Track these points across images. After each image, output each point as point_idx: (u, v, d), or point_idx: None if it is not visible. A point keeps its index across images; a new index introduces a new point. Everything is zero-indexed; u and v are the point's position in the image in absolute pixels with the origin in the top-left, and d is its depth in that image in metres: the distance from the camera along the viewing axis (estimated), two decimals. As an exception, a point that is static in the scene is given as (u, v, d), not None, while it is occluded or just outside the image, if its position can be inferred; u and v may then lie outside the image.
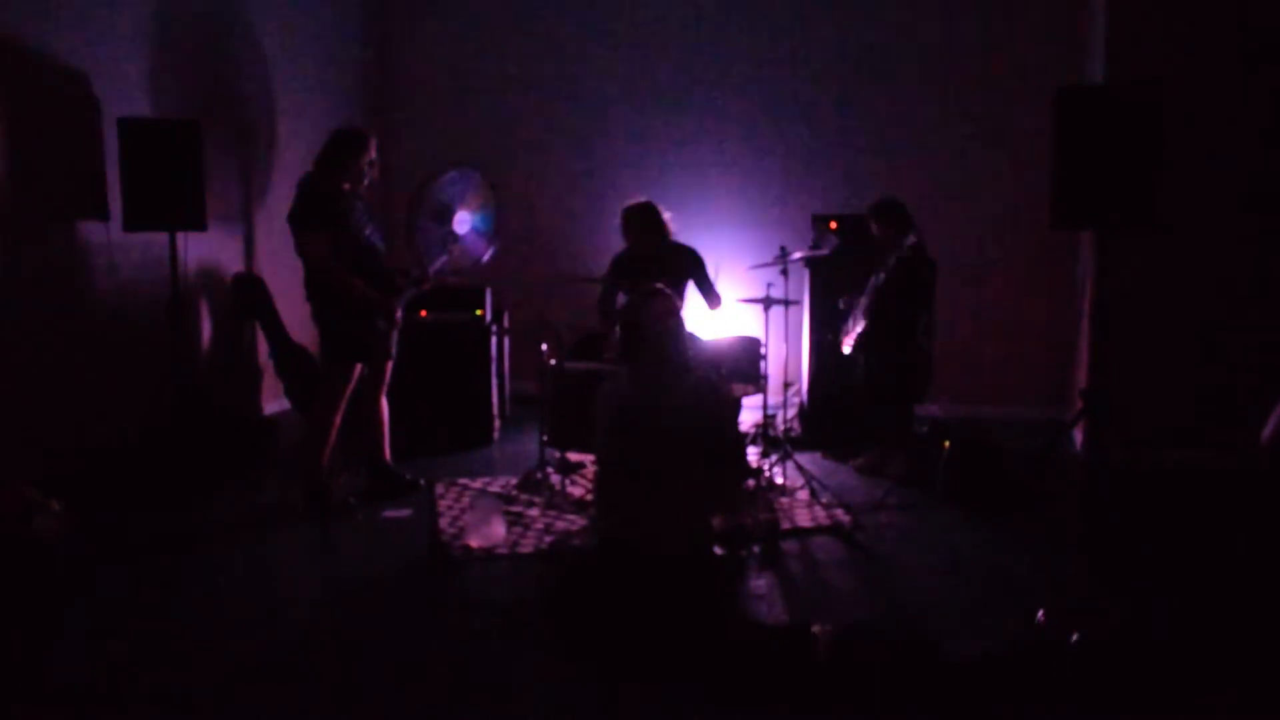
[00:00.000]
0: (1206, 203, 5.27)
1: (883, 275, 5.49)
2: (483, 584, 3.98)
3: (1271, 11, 5.24)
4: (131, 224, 5.03)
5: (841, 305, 5.83)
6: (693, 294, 5.73)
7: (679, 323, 3.73)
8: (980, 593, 3.95)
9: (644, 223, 5.60)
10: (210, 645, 3.42)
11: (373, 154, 4.85)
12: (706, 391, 3.70)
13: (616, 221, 5.81)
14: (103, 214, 5.07)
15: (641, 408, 3.58)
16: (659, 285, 3.83)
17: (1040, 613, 3.45)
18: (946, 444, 5.23)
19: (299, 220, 4.71)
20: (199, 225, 5.16)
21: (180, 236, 5.24)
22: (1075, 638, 3.15)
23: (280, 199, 4.97)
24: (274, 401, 6.47)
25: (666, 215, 5.65)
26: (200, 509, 4.85)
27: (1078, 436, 5.73)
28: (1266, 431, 3.50)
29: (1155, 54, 5.34)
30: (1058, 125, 4.35)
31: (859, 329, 5.59)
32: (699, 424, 3.55)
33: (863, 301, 5.63)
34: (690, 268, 5.69)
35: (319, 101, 6.89)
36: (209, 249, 5.75)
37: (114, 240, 5.10)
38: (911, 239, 5.38)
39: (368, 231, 4.84)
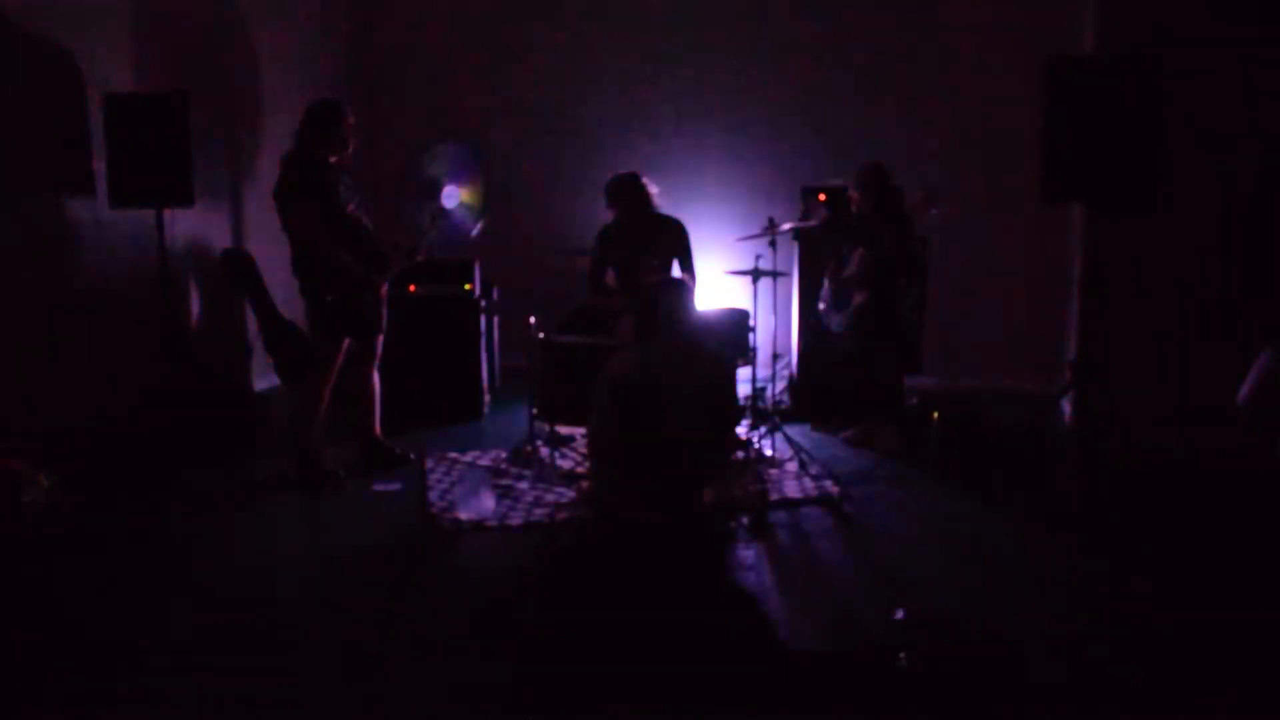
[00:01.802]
0: (1196, 176, 5.26)
1: (874, 249, 5.51)
2: (473, 557, 4.01)
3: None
4: (118, 201, 5.02)
5: (826, 279, 5.86)
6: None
7: (691, 305, 3.78)
8: (967, 563, 3.98)
9: (629, 193, 5.62)
10: (203, 616, 3.44)
11: (351, 121, 4.83)
12: (712, 366, 3.72)
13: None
14: (89, 190, 5.05)
15: (645, 383, 3.59)
16: (655, 263, 3.85)
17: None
18: (935, 416, 5.26)
19: (285, 194, 4.70)
20: (186, 201, 5.14)
21: (167, 213, 5.22)
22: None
23: (267, 174, 4.96)
24: (264, 377, 6.46)
25: (652, 188, 5.66)
26: (190, 484, 4.86)
27: (1067, 408, 5.75)
28: (1243, 392, 3.53)
29: (1146, 24, 5.31)
30: (1048, 97, 4.33)
31: (856, 302, 5.61)
32: (702, 399, 3.56)
33: (848, 274, 5.66)
34: (676, 240, 5.70)
35: (306, 75, 6.84)
36: (196, 225, 5.73)
37: (100, 217, 5.08)
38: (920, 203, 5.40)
39: (352, 206, 4.83)
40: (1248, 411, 3.62)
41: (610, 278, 5.80)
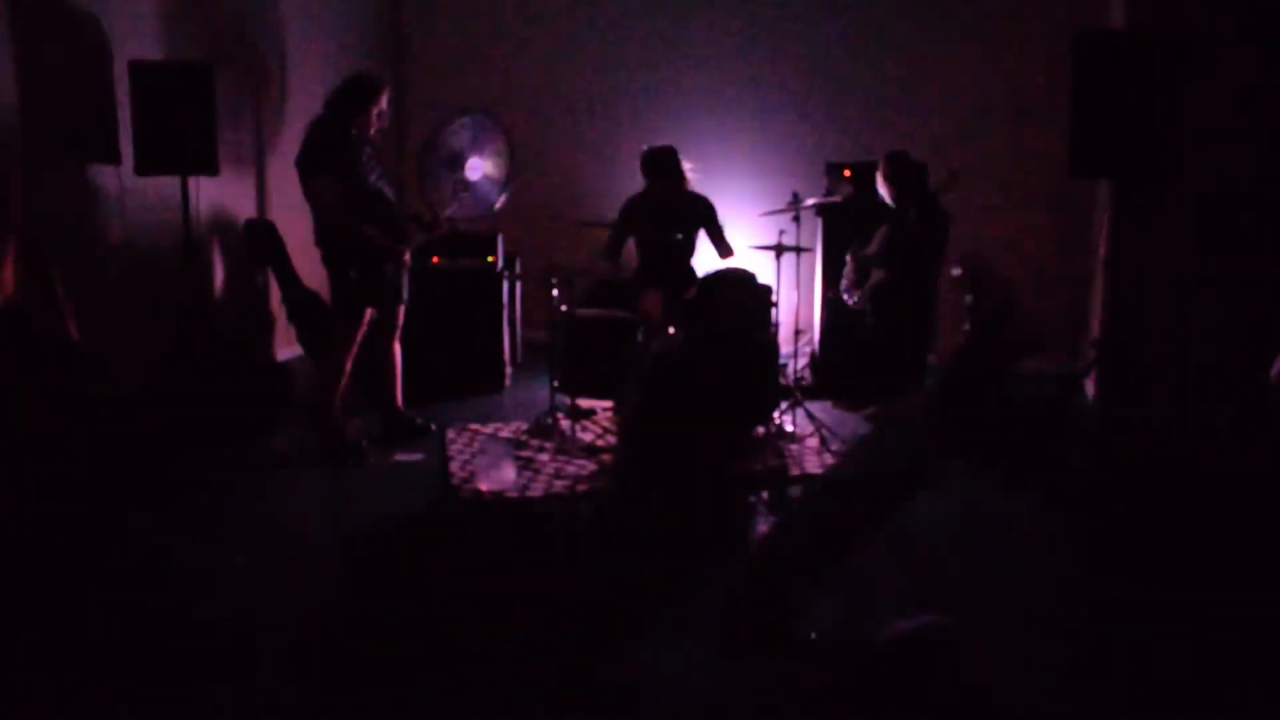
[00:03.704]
0: (1224, 154, 5.19)
1: (899, 226, 5.49)
2: (494, 528, 4.04)
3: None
4: (143, 168, 5.03)
5: (849, 256, 5.84)
6: (704, 242, 5.73)
7: (752, 297, 3.76)
8: (987, 543, 3.96)
9: (664, 167, 5.59)
10: (229, 586, 3.47)
11: (384, 104, 4.82)
12: (758, 354, 3.74)
13: (629, 170, 5.79)
14: (114, 158, 5.07)
15: (693, 364, 3.60)
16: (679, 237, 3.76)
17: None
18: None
19: (306, 165, 4.70)
20: (211, 170, 5.16)
21: (192, 181, 5.24)
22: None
23: (292, 143, 4.96)
24: (287, 347, 6.49)
25: (687, 165, 5.64)
26: (214, 454, 4.89)
27: (1090, 387, 5.71)
28: (1276, 368, 3.49)
29: (1176, 2, 5.23)
30: (1076, 72, 4.29)
31: (877, 278, 5.60)
32: (735, 391, 3.59)
33: (870, 251, 5.64)
34: (702, 217, 5.69)
35: (331, 44, 6.84)
36: (221, 193, 5.75)
37: (125, 184, 5.10)
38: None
39: (374, 177, 4.83)
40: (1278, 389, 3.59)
41: (630, 250, 5.79)
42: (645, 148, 5.69)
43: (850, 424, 5.56)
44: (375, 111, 4.76)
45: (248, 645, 3.02)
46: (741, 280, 5.06)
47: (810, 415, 5.30)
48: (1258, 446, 4.19)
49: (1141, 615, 3.27)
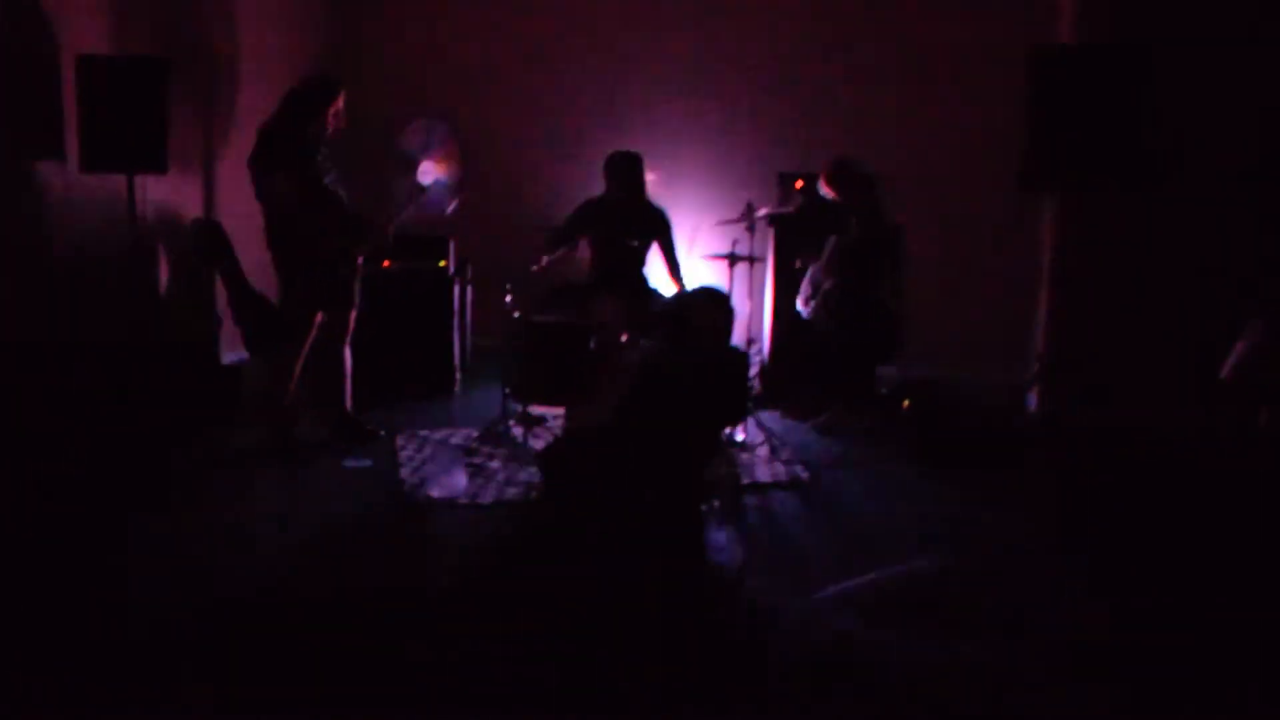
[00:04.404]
0: (1175, 162, 5.31)
1: (844, 236, 5.54)
2: (445, 533, 4.01)
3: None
4: (89, 165, 4.93)
5: (798, 265, 5.89)
6: (654, 256, 5.74)
7: (729, 321, 3.82)
8: (935, 546, 4.01)
9: (627, 173, 5.59)
10: (179, 592, 3.41)
11: (340, 105, 4.78)
12: (731, 368, 3.79)
13: (582, 176, 5.80)
14: (58, 153, 4.96)
15: (670, 378, 3.64)
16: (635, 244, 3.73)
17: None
18: (906, 403, 5.31)
19: (261, 164, 4.64)
20: (159, 167, 5.07)
21: (139, 179, 5.14)
22: None
23: (242, 143, 4.89)
24: (233, 349, 6.40)
25: (650, 174, 5.66)
26: (159, 456, 4.81)
27: (1033, 397, 5.82)
28: (1227, 368, 3.58)
29: (1125, 15, 5.35)
30: (1030, 86, 4.37)
31: (825, 287, 5.65)
32: (716, 397, 3.64)
33: (821, 263, 5.69)
34: (658, 229, 5.70)
35: (284, 42, 6.76)
36: (168, 192, 5.65)
37: (71, 181, 4.99)
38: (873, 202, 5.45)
39: (328, 180, 4.79)
40: (1233, 385, 3.68)
41: (583, 250, 5.78)
42: (613, 150, 5.68)
43: (799, 433, 5.62)
44: (332, 112, 4.72)
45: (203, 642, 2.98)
46: (721, 299, 5.11)
47: (760, 424, 5.34)
48: (1213, 446, 4.30)
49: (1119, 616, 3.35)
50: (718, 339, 3.82)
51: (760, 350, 6.47)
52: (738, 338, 5.65)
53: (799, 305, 5.88)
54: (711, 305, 3.88)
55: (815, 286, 5.83)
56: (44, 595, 3.32)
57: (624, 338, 5.11)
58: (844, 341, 5.67)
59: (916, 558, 2.96)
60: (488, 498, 4.36)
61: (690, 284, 5.69)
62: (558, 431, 5.07)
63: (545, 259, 5.62)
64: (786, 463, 4.99)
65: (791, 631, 3.10)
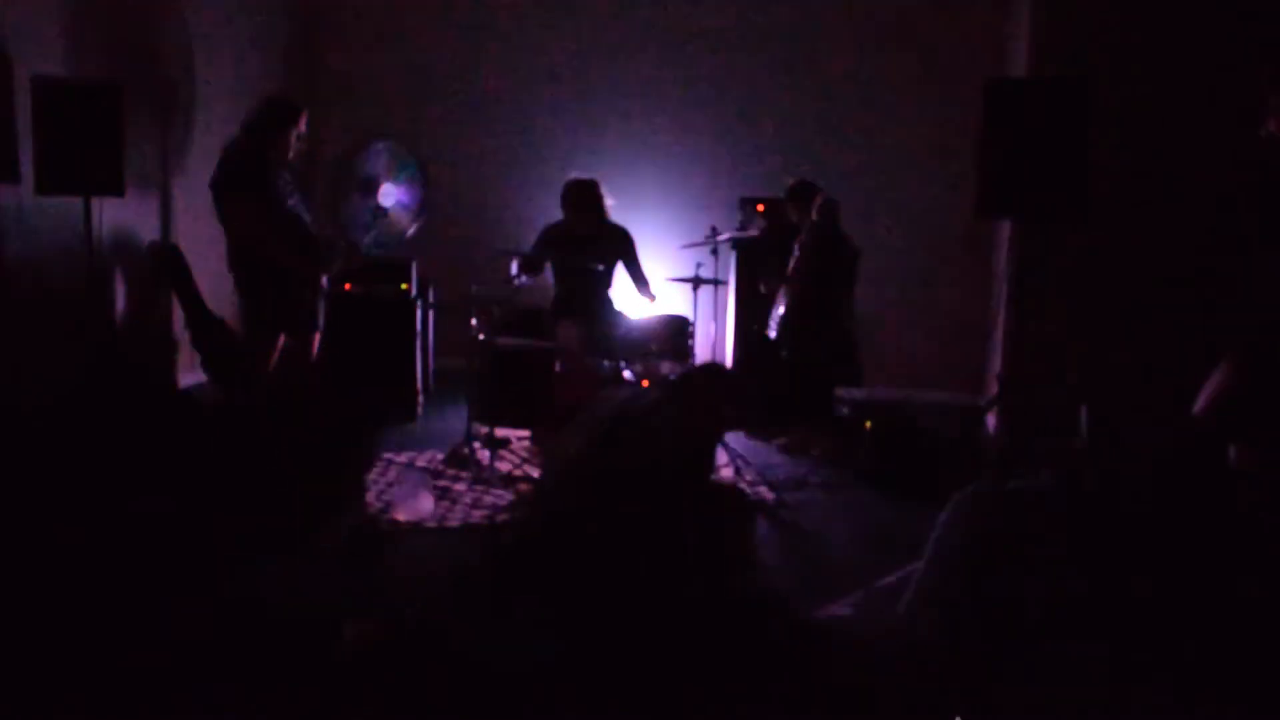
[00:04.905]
0: (1125, 194, 5.43)
1: (802, 257, 5.61)
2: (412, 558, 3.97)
3: (1190, 6, 5.42)
4: (44, 187, 4.85)
5: (763, 289, 5.94)
6: (622, 275, 5.76)
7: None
8: (899, 566, 4.04)
9: (584, 199, 5.61)
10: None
11: (302, 128, 4.76)
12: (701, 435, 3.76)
13: (544, 199, 5.81)
14: (13, 176, 4.88)
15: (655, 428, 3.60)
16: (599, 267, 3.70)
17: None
18: (868, 425, 5.35)
19: (222, 187, 4.61)
20: (116, 190, 4.99)
21: (95, 202, 5.07)
22: None
23: (200, 165, 4.85)
24: (189, 373, 6.31)
25: (609, 199, 5.67)
26: (113, 480, 4.71)
27: (991, 420, 5.90)
28: (1198, 405, 3.64)
29: (1078, 48, 5.48)
30: (985, 117, 4.46)
31: (779, 311, 5.70)
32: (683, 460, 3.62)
33: (783, 285, 5.75)
34: (621, 249, 5.71)
35: (242, 65, 6.71)
36: (125, 215, 5.57)
37: (25, 204, 4.91)
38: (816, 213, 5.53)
39: (291, 202, 4.76)
40: (1204, 421, 3.73)
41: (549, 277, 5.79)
42: (568, 179, 5.70)
43: (763, 454, 5.65)
44: (294, 135, 4.70)
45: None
46: (718, 372, 5.13)
47: (725, 445, 5.36)
48: (1174, 478, 4.36)
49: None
50: (711, 414, 3.78)
51: (722, 372, 6.49)
52: (701, 359, 5.70)
53: (770, 328, 5.91)
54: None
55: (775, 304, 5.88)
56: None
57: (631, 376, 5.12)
58: (801, 363, 5.72)
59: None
60: (455, 521, 4.33)
61: (657, 302, 5.73)
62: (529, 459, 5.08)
63: (523, 277, 5.61)
64: (751, 484, 5.01)
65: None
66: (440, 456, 5.26)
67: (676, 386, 3.90)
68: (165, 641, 2.94)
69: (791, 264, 5.71)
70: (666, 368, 5.27)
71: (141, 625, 3.07)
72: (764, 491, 4.89)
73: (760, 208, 6.29)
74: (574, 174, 5.73)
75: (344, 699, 2.65)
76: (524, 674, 2.78)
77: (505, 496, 4.66)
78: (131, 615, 3.13)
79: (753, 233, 6.04)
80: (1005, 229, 6.03)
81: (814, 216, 5.59)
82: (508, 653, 2.91)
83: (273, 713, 2.61)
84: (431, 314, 6.68)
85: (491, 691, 2.72)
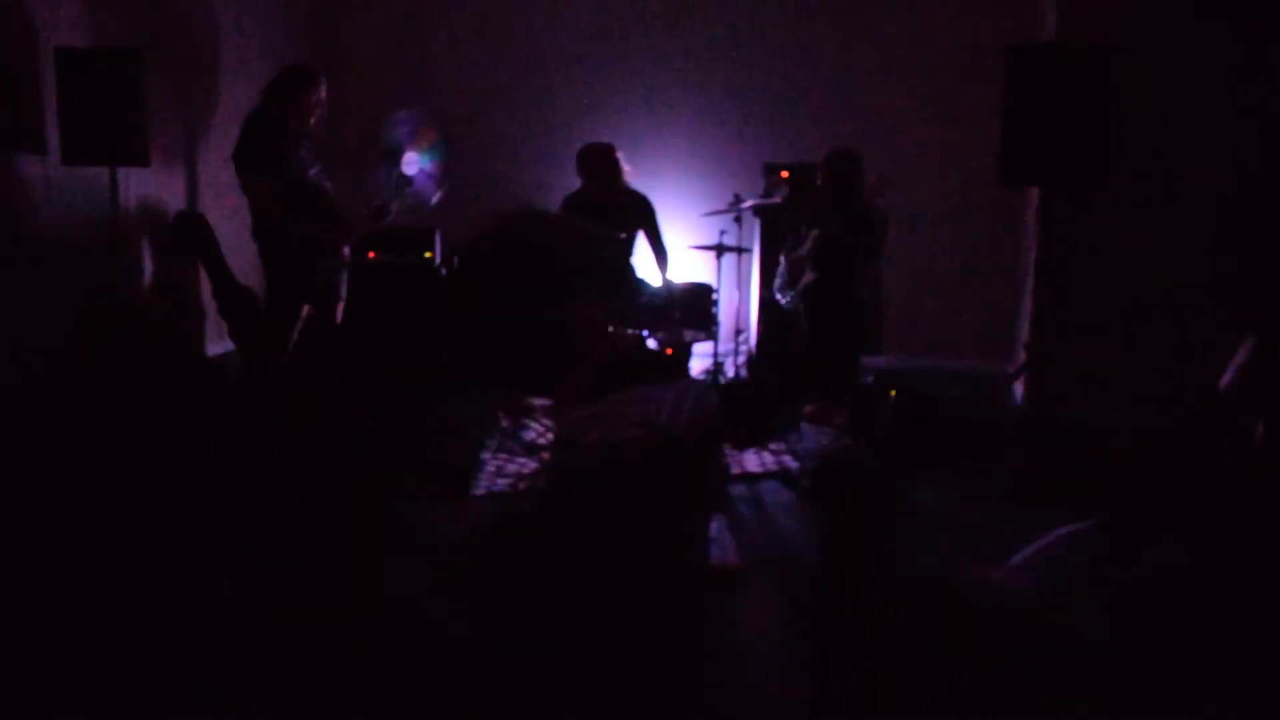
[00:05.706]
0: (1155, 163, 5.34)
1: (830, 226, 5.55)
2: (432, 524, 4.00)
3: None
4: (70, 157, 4.89)
5: (782, 257, 5.90)
6: (643, 243, 5.74)
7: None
8: (924, 535, 4.03)
9: (600, 165, 5.59)
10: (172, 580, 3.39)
11: (321, 95, 4.76)
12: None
13: (568, 167, 5.78)
14: (40, 147, 4.92)
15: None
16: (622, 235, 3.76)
17: None
18: (892, 394, 5.32)
19: (243, 159, 4.62)
20: (141, 160, 5.03)
21: (121, 172, 5.10)
22: None
23: (225, 135, 4.86)
24: (216, 342, 6.37)
25: (625, 164, 5.65)
26: (141, 451, 4.77)
27: (1019, 389, 5.85)
28: (1225, 379, 3.59)
29: (1106, 14, 5.37)
30: (1006, 83, 4.40)
31: (805, 281, 5.66)
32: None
33: (802, 252, 5.70)
34: (641, 216, 5.69)
35: (266, 34, 6.72)
36: (151, 185, 5.61)
37: (51, 174, 4.95)
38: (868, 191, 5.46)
39: (313, 171, 4.77)
40: (1229, 398, 3.68)
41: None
42: (584, 145, 5.68)
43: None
44: (312, 102, 4.70)
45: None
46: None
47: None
48: (1197, 451, 4.30)
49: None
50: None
51: (747, 340, 6.48)
52: (725, 327, 5.68)
53: (776, 289, 5.89)
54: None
55: (791, 270, 5.84)
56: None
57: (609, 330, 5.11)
58: (826, 333, 5.68)
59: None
60: (479, 489, 4.36)
61: (677, 272, 5.70)
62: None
63: None
64: (775, 453, 5.00)
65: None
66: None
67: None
68: (165, 641, 2.92)
69: (814, 237, 5.65)
70: (690, 335, 5.25)
71: (141, 625, 3.05)
72: (789, 461, 4.87)
73: (784, 174, 6.23)
74: (590, 140, 5.71)
75: (344, 699, 2.65)
76: (524, 674, 2.78)
77: (529, 465, 4.68)
78: (132, 615, 3.11)
79: (775, 200, 5.98)
80: (1034, 196, 5.96)
81: (860, 191, 5.51)
82: (507, 652, 2.90)
83: (273, 713, 2.58)
84: (455, 282, 6.69)
85: (491, 691, 2.71)
